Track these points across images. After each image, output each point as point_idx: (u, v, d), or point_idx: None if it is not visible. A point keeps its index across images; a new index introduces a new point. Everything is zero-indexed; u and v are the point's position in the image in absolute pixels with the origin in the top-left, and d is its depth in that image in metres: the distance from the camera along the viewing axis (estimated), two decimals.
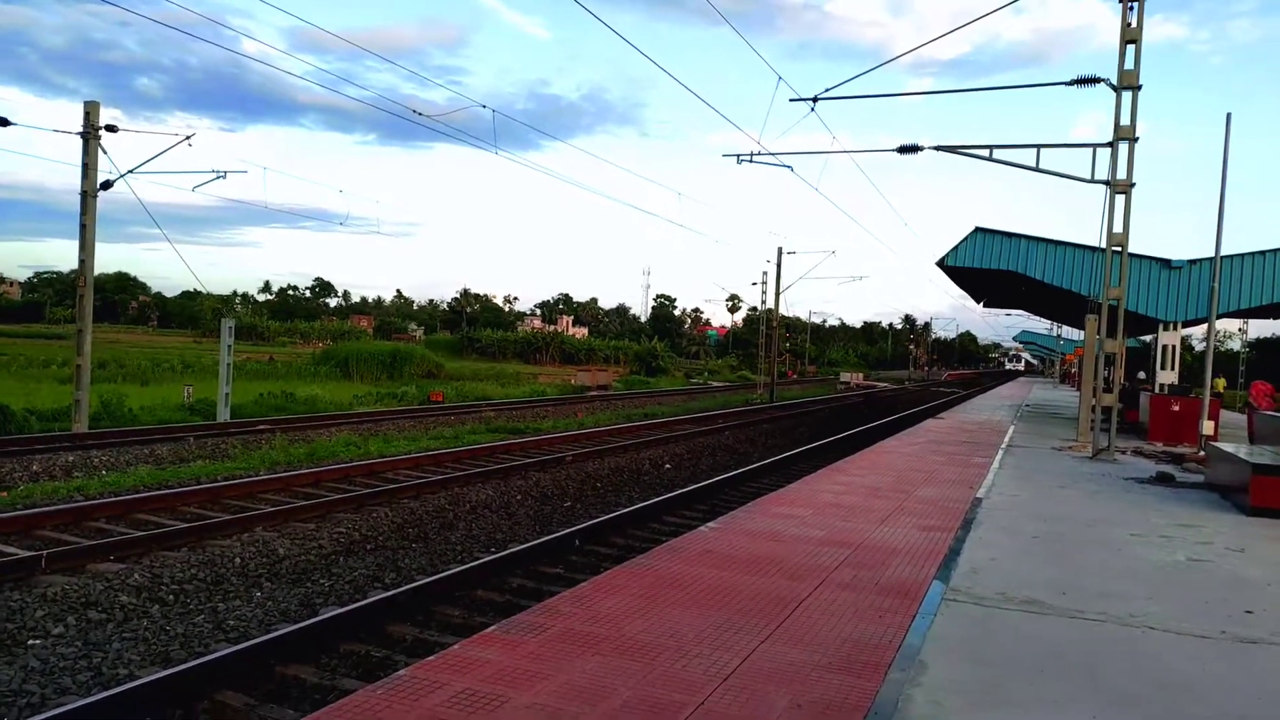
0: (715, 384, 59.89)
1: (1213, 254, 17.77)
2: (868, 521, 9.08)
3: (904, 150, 17.99)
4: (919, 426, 22.65)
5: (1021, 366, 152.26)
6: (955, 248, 23.26)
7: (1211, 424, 17.54)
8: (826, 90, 16.83)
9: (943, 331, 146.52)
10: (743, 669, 4.78)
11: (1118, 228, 15.61)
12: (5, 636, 6.93)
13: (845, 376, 76.82)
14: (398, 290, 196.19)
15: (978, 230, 23.16)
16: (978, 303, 42.69)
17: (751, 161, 19.99)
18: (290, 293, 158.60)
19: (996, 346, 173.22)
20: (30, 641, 6.90)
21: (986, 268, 23.40)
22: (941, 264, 23.95)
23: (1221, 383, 37.48)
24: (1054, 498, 11.17)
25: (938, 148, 17.57)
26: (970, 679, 4.71)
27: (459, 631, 7.12)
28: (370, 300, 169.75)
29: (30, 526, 10.25)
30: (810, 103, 17.07)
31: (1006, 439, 18.95)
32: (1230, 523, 9.92)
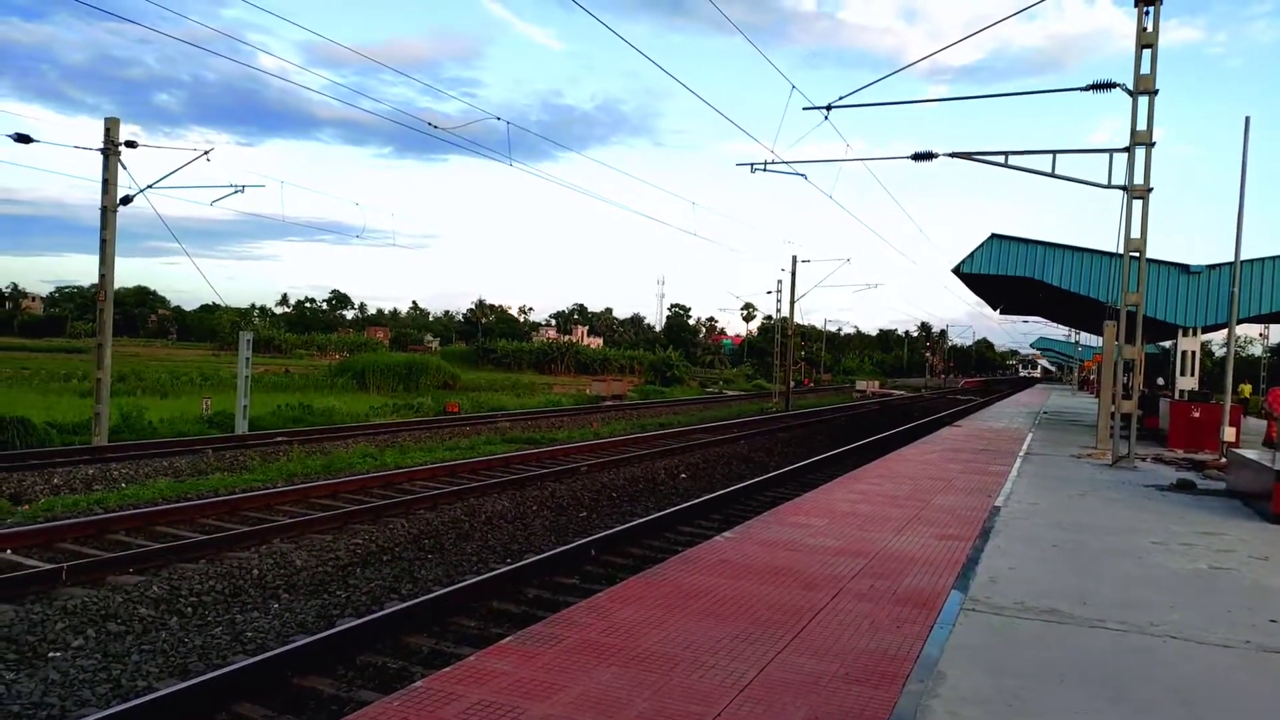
0: (730, 393, 59.81)
1: (1232, 259, 17.62)
2: (885, 530, 9.03)
3: (919, 157, 17.97)
4: (936, 434, 22.52)
5: (1038, 373, 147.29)
6: (971, 254, 23.15)
7: (1233, 430, 17.36)
8: (840, 98, 16.85)
9: (959, 339, 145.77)
10: (759, 680, 4.75)
11: (1135, 233, 15.50)
12: (26, 649, 6.98)
13: (861, 384, 76.59)
14: (413, 302, 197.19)
15: (994, 237, 23.05)
16: (994, 310, 42.47)
17: (765, 170, 20.02)
18: (307, 305, 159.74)
19: (1014, 353, 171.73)
20: (51, 654, 6.95)
21: (1003, 274, 23.27)
22: (958, 271, 23.85)
23: (1247, 389, 37.00)
24: (1073, 506, 11.07)
25: (953, 154, 17.53)
26: (989, 689, 4.66)
27: (475, 642, 7.12)
28: (386, 312, 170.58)
29: (51, 539, 10.34)
30: (824, 111, 17.08)
31: (1024, 446, 18.81)
32: (1253, 530, 9.80)
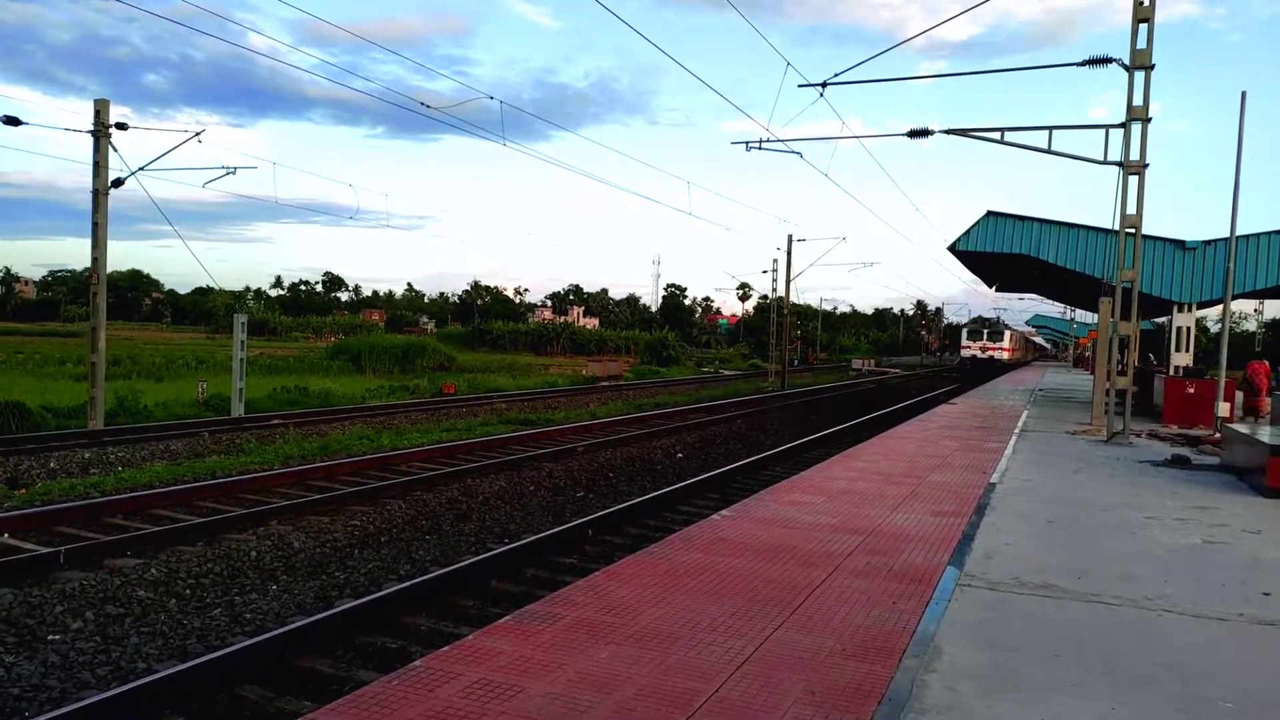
0: (727, 372, 59.83)
1: (1228, 234, 17.60)
2: (881, 508, 9.06)
3: (914, 134, 17.88)
4: (932, 412, 22.57)
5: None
6: (967, 232, 23.11)
7: (1227, 405, 17.42)
8: (836, 75, 16.72)
9: (955, 316, 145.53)
10: (757, 656, 4.78)
11: (1131, 209, 15.47)
12: (25, 632, 6.99)
13: (857, 363, 76.70)
14: (408, 283, 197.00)
15: (990, 214, 23.00)
16: (990, 287, 42.46)
17: (761, 148, 19.91)
18: (302, 287, 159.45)
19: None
20: (50, 637, 6.96)
21: (999, 252, 23.24)
22: (954, 249, 23.81)
23: None
24: (1068, 482, 11.12)
25: (949, 131, 17.45)
26: (985, 664, 4.69)
27: (473, 622, 7.15)
28: (381, 294, 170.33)
29: (48, 523, 10.34)
30: (819, 88, 16.96)
31: (1020, 424, 18.86)
32: (1247, 504, 9.86)
